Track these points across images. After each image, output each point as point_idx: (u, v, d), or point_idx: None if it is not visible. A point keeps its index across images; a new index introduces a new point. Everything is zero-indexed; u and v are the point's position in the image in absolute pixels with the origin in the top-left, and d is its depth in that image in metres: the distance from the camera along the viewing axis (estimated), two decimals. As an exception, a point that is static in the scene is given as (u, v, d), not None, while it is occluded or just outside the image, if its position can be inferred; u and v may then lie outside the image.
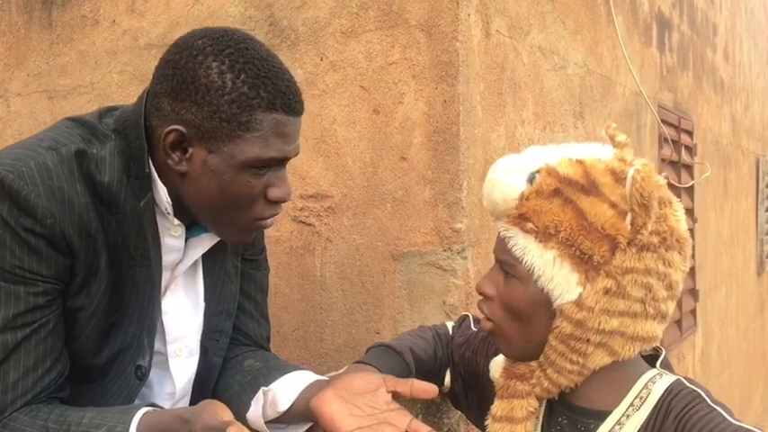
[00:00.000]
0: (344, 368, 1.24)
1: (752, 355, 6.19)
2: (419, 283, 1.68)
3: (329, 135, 1.76)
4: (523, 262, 0.99)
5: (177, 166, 1.05)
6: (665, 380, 1.02)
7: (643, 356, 1.07)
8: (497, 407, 1.10)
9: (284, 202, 1.10)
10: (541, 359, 1.04)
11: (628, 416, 1.01)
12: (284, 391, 1.17)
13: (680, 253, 0.99)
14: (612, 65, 2.72)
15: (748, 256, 5.83)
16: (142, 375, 1.15)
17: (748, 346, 6.01)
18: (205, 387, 1.26)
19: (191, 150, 1.03)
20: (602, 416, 1.02)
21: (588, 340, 0.98)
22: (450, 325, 1.39)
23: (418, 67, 1.66)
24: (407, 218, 1.68)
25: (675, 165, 3.65)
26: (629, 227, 0.95)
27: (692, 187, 3.85)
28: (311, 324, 1.80)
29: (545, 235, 0.97)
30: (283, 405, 1.15)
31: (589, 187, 0.97)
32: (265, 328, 1.36)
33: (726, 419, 0.94)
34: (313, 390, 1.12)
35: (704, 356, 4.43)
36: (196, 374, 1.24)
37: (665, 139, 3.42)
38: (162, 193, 1.08)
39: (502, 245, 1.03)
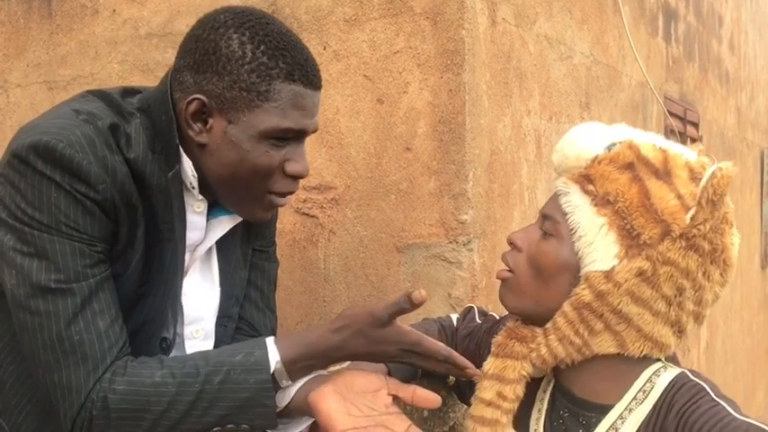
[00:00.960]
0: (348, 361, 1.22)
1: (756, 348, 6.18)
2: (424, 276, 1.66)
3: (332, 125, 1.74)
4: (569, 220, 0.99)
5: (198, 137, 1.07)
6: (670, 373, 1.01)
7: None
8: (490, 364, 1.09)
9: (302, 177, 1.12)
10: (548, 325, 1.03)
11: (630, 410, 0.99)
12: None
13: (721, 274, 0.99)
14: (619, 55, 2.69)
15: (753, 249, 5.81)
16: (167, 347, 1.16)
17: (753, 339, 5.99)
18: None
19: (211, 121, 1.06)
20: (604, 410, 1.01)
21: (602, 316, 0.98)
22: (454, 317, 1.37)
23: (423, 55, 1.63)
24: (412, 209, 1.66)
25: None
26: (687, 221, 0.95)
27: (697, 180, 3.82)
28: (314, 317, 1.78)
29: (602, 200, 0.97)
30: (284, 399, 1.13)
31: (663, 173, 0.97)
32: (270, 320, 1.35)
33: (729, 414, 0.92)
34: (313, 384, 1.10)
35: (709, 350, 4.41)
36: None
37: (672, 131, 3.39)
38: (187, 166, 1.10)
39: (554, 201, 1.04)
